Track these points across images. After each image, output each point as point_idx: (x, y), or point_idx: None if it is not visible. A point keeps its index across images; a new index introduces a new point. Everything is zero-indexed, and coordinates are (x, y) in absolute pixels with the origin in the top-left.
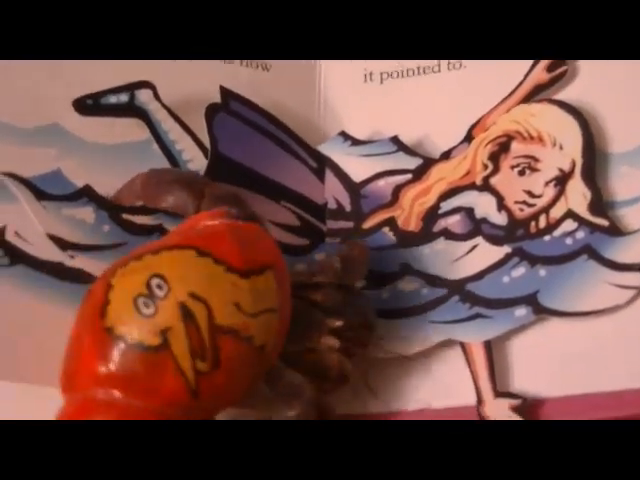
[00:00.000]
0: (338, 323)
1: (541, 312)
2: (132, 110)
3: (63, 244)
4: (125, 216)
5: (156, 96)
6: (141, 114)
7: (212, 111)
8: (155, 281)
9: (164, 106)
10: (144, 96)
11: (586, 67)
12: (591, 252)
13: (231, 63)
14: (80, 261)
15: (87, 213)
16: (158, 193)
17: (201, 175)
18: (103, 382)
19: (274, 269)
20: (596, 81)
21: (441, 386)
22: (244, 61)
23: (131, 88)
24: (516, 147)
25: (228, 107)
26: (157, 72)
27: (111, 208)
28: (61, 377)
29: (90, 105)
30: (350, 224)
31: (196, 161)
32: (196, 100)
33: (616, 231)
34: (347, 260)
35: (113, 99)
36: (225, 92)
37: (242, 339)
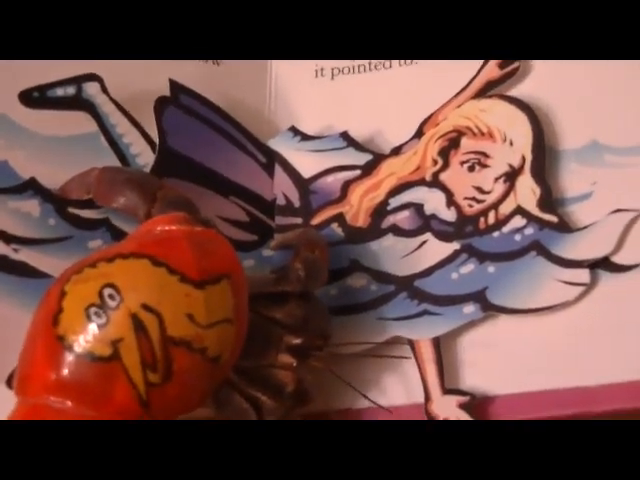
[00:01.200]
0: (297, 341)
1: (490, 309)
2: (79, 103)
3: (7, 237)
4: (71, 210)
5: (103, 89)
6: (88, 107)
7: (161, 104)
8: (107, 291)
9: (111, 99)
10: (91, 89)
11: (538, 65)
12: (540, 248)
13: None
14: (25, 254)
15: (33, 206)
16: (110, 192)
17: (156, 178)
18: (54, 390)
19: (231, 278)
20: (548, 78)
21: (389, 383)
22: None
23: (78, 81)
24: (466, 143)
25: (178, 101)
26: (105, 65)
27: (57, 201)
28: (15, 378)
29: (37, 97)
30: (299, 220)
31: (144, 155)
32: (145, 93)
33: (565, 227)
34: (310, 266)
35: (60, 92)
36: (174, 85)
37: (195, 351)
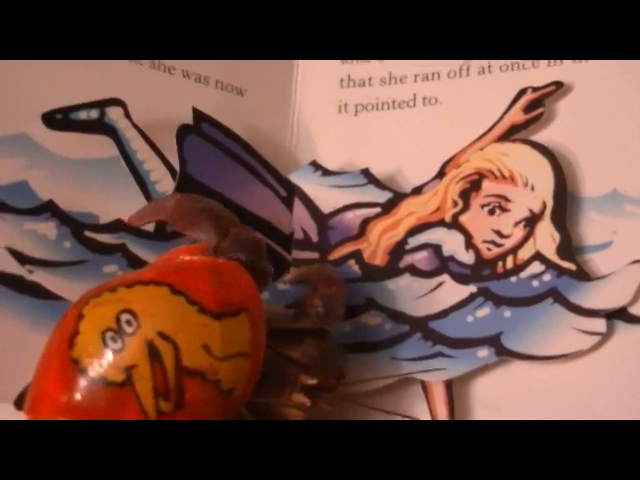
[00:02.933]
0: (312, 382)
1: (504, 354)
2: (101, 127)
3: (22, 258)
4: (87, 234)
5: (126, 114)
6: (110, 132)
7: (183, 132)
8: (125, 316)
9: (134, 125)
10: (114, 114)
11: (562, 111)
12: (557, 296)
13: (206, 85)
14: (39, 276)
15: (49, 228)
16: (186, 218)
17: (233, 215)
18: (65, 412)
19: (249, 312)
20: (571, 125)
21: None
22: (218, 83)
23: (102, 105)
24: (487, 186)
25: (199, 129)
26: (129, 90)
27: (74, 224)
28: (27, 398)
29: (59, 119)
30: (316, 255)
31: (164, 182)
32: (167, 120)
33: (583, 276)
34: (329, 302)
35: (83, 115)
36: (197, 114)
37: (209, 382)
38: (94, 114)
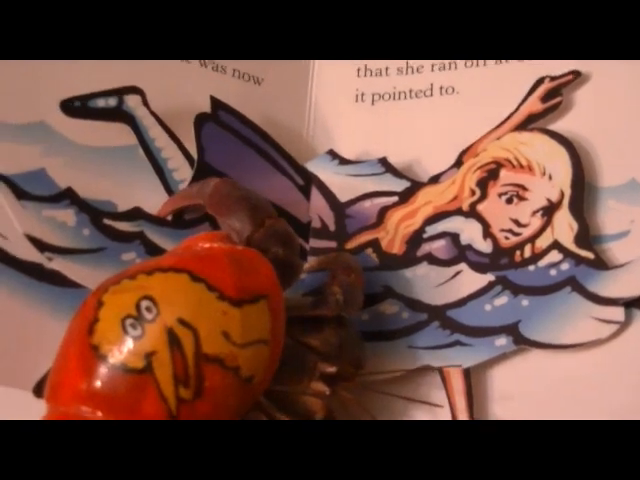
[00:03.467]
0: (331, 370)
1: (522, 342)
2: (119, 115)
3: (42, 245)
4: (106, 221)
5: (144, 102)
6: (128, 120)
7: (201, 120)
8: (145, 303)
9: (152, 113)
10: (132, 101)
11: (580, 100)
12: (575, 284)
13: (223, 74)
14: (58, 263)
15: (68, 215)
16: (223, 205)
17: (270, 206)
18: (85, 399)
19: (269, 299)
20: (589, 114)
21: (418, 413)
22: (236, 72)
23: (120, 93)
24: (505, 175)
25: (217, 117)
26: (147, 78)
27: (92, 212)
28: (47, 385)
29: (78, 107)
30: (333, 244)
31: (182, 170)
32: (185, 109)
33: (601, 265)
34: (348, 290)
35: (101, 102)
36: (215, 102)
37: (228, 369)
38: (112, 102)
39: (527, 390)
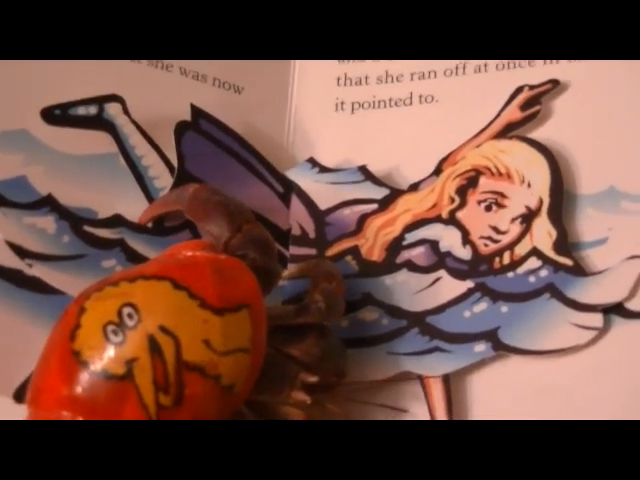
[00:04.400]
0: (312, 379)
1: (501, 348)
2: (100, 123)
3: (22, 252)
4: (86, 228)
5: (125, 110)
6: (109, 128)
7: (181, 129)
8: (127, 310)
9: (132, 121)
10: (113, 110)
11: (558, 109)
12: (554, 291)
13: (204, 82)
14: (38, 270)
15: (48, 222)
16: (200, 210)
17: (249, 211)
18: (65, 405)
19: (250, 308)
20: (568, 123)
21: (397, 419)
22: (216, 81)
23: (100, 101)
24: (484, 182)
25: (198, 126)
26: (127, 86)
27: (72, 219)
28: (28, 389)
29: (58, 115)
30: (313, 251)
31: (162, 178)
32: (166, 117)
33: (580, 271)
34: (330, 297)
35: (82, 110)
36: (196, 111)
37: (209, 377)
38: (93, 110)
39: (506, 396)
